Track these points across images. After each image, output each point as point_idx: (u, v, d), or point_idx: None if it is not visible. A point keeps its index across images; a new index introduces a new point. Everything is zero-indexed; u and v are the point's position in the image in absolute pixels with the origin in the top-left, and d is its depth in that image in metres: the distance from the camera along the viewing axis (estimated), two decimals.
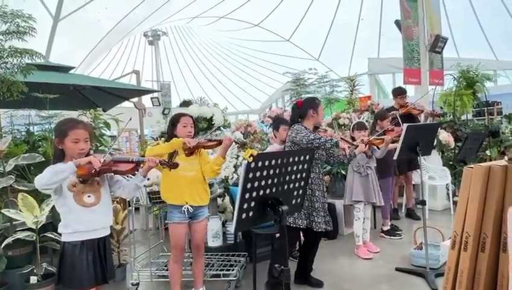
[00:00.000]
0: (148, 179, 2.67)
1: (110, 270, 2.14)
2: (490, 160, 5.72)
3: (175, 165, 2.28)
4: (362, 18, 14.69)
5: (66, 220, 2.02)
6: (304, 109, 3.13)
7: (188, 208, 2.66)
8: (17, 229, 3.13)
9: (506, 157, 1.60)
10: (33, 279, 3.01)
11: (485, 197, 1.59)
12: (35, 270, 3.08)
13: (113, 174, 2.16)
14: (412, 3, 7.05)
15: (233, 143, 2.80)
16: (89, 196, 2.03)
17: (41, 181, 1.88)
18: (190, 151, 2.70)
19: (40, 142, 4.31)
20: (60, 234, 2.07)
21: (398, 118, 4.60)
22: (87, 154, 2.06)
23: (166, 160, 2.27)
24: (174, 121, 2.79)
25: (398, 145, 3.32)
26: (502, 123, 7.53)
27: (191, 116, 2.83)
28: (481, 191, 1.58)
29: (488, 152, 6.02)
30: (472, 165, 1.63)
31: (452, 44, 12.19)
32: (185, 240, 2.80)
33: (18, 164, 3.39)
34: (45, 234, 3.08)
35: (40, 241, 3.05)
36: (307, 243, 3.22)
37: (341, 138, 3.34)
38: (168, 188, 2.73)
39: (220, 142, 2.73)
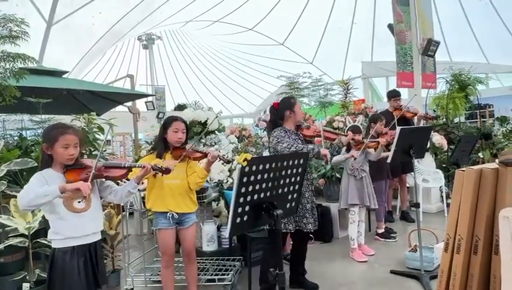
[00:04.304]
0: (143, 182, 2.61)
1: (102, 275, 2.12)
2: (483, 162, 5.78)
3: (167, 171, 2.25)
4: (355, 22, 14.81)
5: (56, 226, 1.99)
6: (280, 110, 3.13)
7: (172, 214, 2.62)
8: (10, 235, 3.09)
9: (497, 160, 1.61)
10: (25, 286, 2.96)
11: (477, 200, 1.60)
12: (27, 277, 3.04)
13: (104, 179, 2.14)
14: (404, 8, 7.13)
15: (218, 159, 2.63)
16: (79, 202, 2.00)
17: (23, 201, 1.83)
18: (179, 155, 2.62)
19: (33, 147, 4.26)
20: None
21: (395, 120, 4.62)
22: (77, 160, 2.04)
23: (159, 166, 2.25)
24: (166, 124, 2.70)
25: (392, 148, 3.34)
26: (494, 126, 7.60)
27: (185, 122, 2.74)
28: (473, 194, 1.59)
29: (480, 154, 6.08)
30: (464, 169, 1.65)
31: (444, 48, 12.32)
32: (174, 245, 2.76)
33: (10, 169, 3.35)
34: (38, 240, 3.05)
35: (32, 248, 3.01)
36: (296, 245, 3.22)
37: (323, 130, 3.25)
38: (152, 195, 2.68)
39: (205, 155, 2.63)
